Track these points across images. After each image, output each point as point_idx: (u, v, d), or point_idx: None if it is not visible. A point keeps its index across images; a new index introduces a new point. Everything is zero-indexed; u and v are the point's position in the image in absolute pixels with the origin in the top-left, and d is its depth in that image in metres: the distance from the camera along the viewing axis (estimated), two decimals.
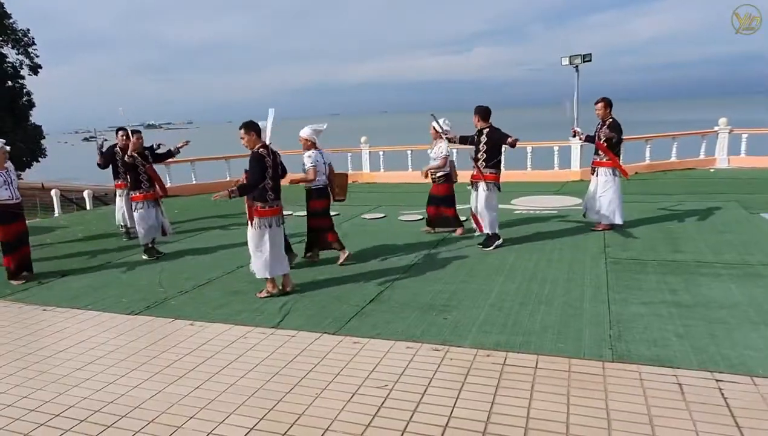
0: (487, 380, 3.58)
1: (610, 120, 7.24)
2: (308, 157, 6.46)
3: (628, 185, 11.62)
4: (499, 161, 6.89)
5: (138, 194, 7.28)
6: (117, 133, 8.39)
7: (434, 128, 7.48)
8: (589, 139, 7.60)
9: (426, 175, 7.72)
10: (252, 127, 5.28)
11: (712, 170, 13.25)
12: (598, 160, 7.45)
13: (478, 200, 6.91)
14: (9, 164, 6.61)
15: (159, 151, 8.07)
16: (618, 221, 7.40)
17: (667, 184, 11.61)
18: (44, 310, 5.55)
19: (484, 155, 6.77)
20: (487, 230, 6.94)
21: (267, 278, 5.45)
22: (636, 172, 13.39)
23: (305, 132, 6.58)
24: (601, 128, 7.35)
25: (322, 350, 4.20)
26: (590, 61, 13.58)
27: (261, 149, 5.23)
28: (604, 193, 7.35)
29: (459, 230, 7.81)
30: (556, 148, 13.20)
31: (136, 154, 7.16)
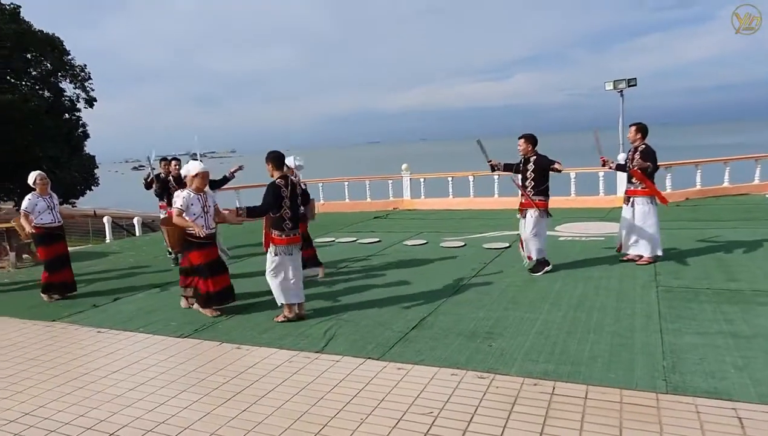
0: (534, 410, 3.50)
1: (643, 146, 6.90)
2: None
3: (679, 212, 11.31)
4: (548, 188, 6.80)
5: None
6: (160, 162, 8.75)
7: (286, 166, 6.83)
8: (620, 167, 7.31)
9: None
10: (270, 159, 5.46)
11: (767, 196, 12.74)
12: (633, 188, 7.07)
13: (527, 227, 6.84)
14: (51, 191, 7.13)
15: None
16: (660, 252, 7.07)
17: (719, 210, 11.22)
18: (98, 332, 5.75)
19: (533, 183, 6.73)
20: (535, 257, 6.86)
21: (284, 303, 5.54)
22: (687, 198, 13.02)
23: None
24: (632, 154, 7.02)
25: (366, 376, 4.20)
26: (635, 85, 13.41)
27: (279, 180, 5.41)
28: (645, 223, 6.97)
29: (320, 272, 7.30)
30: (601, 174, 12.98)
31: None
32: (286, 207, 5.41)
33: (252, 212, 5.49)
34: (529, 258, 6.90)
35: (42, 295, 7.09)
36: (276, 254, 5.47)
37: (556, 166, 6.50)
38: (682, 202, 12.69)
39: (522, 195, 6.85)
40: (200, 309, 6.02)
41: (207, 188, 6.03)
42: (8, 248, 10.17)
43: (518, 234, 7.18)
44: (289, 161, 6.58)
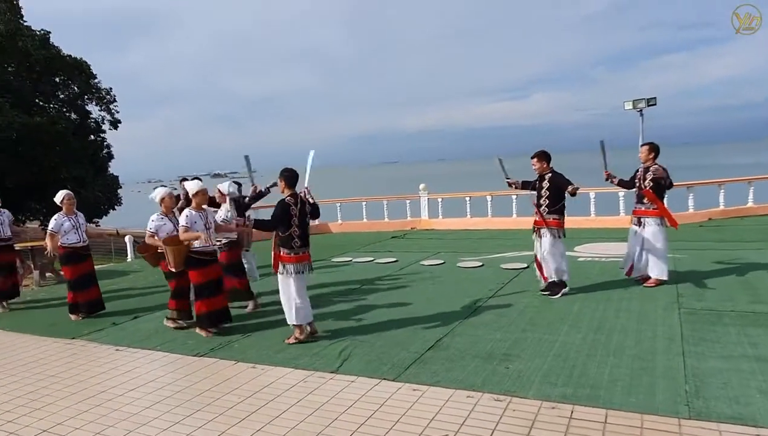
0: (552, 434, 3.43)
1: (655, 166, 6.78)
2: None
3: (702, 232, 11.11)
4: (563, 206, 6.67)
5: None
6: (180, 182, 8.80)
7: (219, 191, 6.73)
8: (623, 183, 7.15)
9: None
10: (282, 175, 5.52)
11: None
12: (644, 209, 6.91)
13: (542, 247, 6.73)
14: (77, 211, 7.27)
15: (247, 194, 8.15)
16: (666, 277, 6.86)
17: (743, 231, 10.99)
18: (117, 350, 5.81)
19: (547, 201, 6.63)
20: (552, 278, 6.72)
21: (295, 325, 5.52)
22: (709, 218, 12.80)
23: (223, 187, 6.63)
24: (644, 174, 6.87)
25: (381, 397, 4.16)
26: (655, 105, 13.33)
27: (288, 197, 5.46)
28: (656, 245, 6.82)
29: (250, 306, 6.95)
30: (621, 194, 12.83)
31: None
32: (295, 225, 5.42)
33: (259, 224, 5.59)
34: (545, 279, 6.78)
35: (70, 315, 7.13)
36: (285, 273, 5.48)
37: (570, 189, 6.36)
38: (705, 223, 12.47)
39: (536, 213, 6.75)
40: (197, 329, 6.08)
41: (206, 206, 6.24)
42: (32, 266, 10.38)
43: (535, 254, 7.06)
44: (223, 187, 6.60)
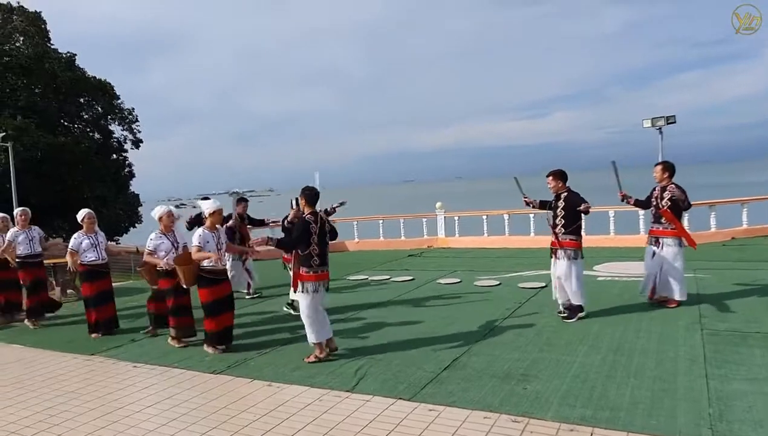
0: None
1: (672, 186, 6.61)
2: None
3: (725, 252, 10.90)
4: (579, 227, 6.50)
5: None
6: (238, 202, 8.98)
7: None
8: (639, 203, 7.03)
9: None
10: (303, 194, 5.61)
11: None
12: (661, 228, 6.73)
13: (558, 269, 6.53)
14: (97, 229, 7.41)
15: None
16: (685, 297, 6.69)
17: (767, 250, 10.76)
18: (135, 366, 5.85)
19: (563, 221, 6.44)
20: (573, 302, 6.47)
21: (314, 343, 5.52)
22: (732, 238, 12.57)
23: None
24: (660, 193, 6.72)
25: (396, 417, 4.12)
26: (674, 123, 13.22)
27: (308, 216, 5.49)
28: (674, 265, 6.62)
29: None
30: (641, 213, 12.67)
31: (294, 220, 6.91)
32: (315, 243, 5.45)
33: (280, 244, 5.67)
34: (568, 308, 6.53)
35: (90, 334, 7.16)
36: (304, 291, 5.49)
37: (583, 207, 6.22)
38: (728, 242, 12.24)
39: (552, 234, 6.56)
40: (205, 346, 6.14)
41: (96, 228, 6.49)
42: (54, 282, 10.54)
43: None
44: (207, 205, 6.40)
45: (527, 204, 6.99)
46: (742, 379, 4.38)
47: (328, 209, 7.72)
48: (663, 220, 6.71)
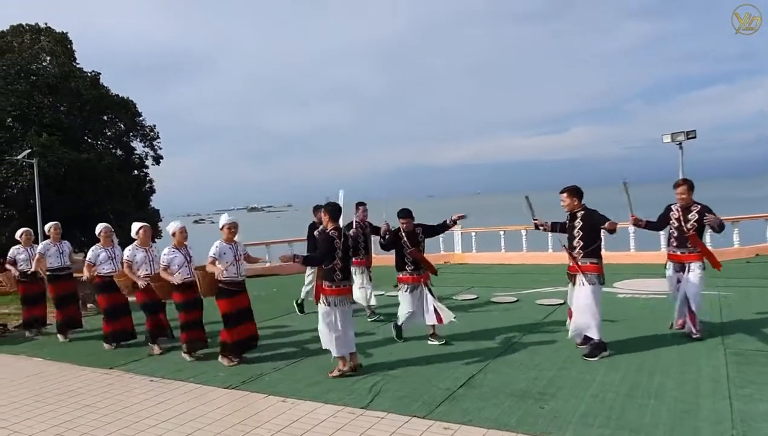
0: None
1: (698, 206, 6.09)
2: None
3: (749, 269, 10.66)
4: (599, 247, 5.81)
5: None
6: (358, 207, 8.26)
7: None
8: (652, 226, 6.51)
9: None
10: (326, 209, 5.65)
11: None
12: (687, 253, 6.17)
13: (576, 296, 5.83)
14: (115, 241, 7.64)
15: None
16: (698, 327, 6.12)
17: None
18: (151, 380, 5.88)
19: (581, 242, 5.75)
20: (594, 336, 5.69)
21: (337, 357, 5.50)
22: (757, 254, 12.31)
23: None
24: (684, 214, 6.17)
25: (411, 434, 4.07)
26: (695, 138, 13.05)
27: (333, 231, 5.53)
28: (698, 286, 6.07)
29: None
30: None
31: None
32: (338, 258, 5.49)
33: (307, 261, 5.80)
34: (586, 341, 5.86)
35: (104, 344, 7.34)
36: (327, 305, 5.50)
37: (608, 225, 5.58)
38: (752, 259, 11.98)
39: (569, 258, 5.87)
40: (220, 357, 6.21)
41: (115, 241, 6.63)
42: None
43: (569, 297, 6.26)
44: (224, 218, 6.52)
45: (537, 227, 6.37)
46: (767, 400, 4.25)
47: (448, 222, 7.09)
48: (689, 243, 6.17)
